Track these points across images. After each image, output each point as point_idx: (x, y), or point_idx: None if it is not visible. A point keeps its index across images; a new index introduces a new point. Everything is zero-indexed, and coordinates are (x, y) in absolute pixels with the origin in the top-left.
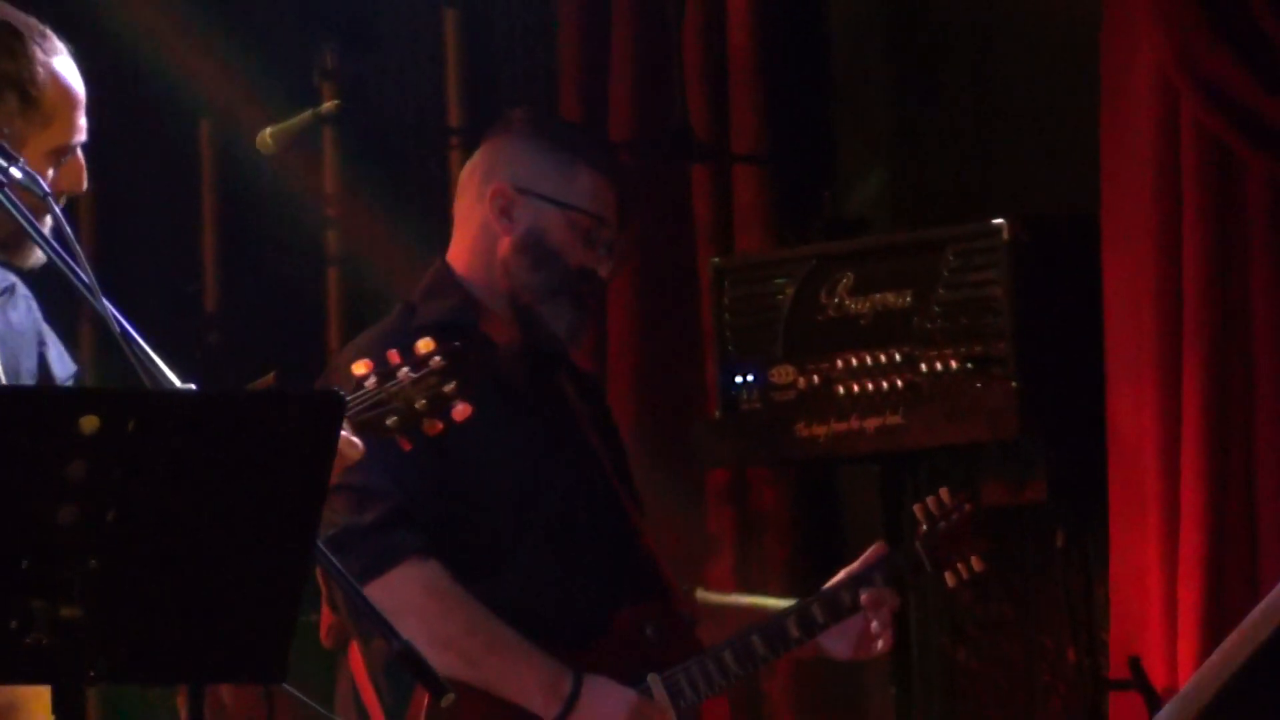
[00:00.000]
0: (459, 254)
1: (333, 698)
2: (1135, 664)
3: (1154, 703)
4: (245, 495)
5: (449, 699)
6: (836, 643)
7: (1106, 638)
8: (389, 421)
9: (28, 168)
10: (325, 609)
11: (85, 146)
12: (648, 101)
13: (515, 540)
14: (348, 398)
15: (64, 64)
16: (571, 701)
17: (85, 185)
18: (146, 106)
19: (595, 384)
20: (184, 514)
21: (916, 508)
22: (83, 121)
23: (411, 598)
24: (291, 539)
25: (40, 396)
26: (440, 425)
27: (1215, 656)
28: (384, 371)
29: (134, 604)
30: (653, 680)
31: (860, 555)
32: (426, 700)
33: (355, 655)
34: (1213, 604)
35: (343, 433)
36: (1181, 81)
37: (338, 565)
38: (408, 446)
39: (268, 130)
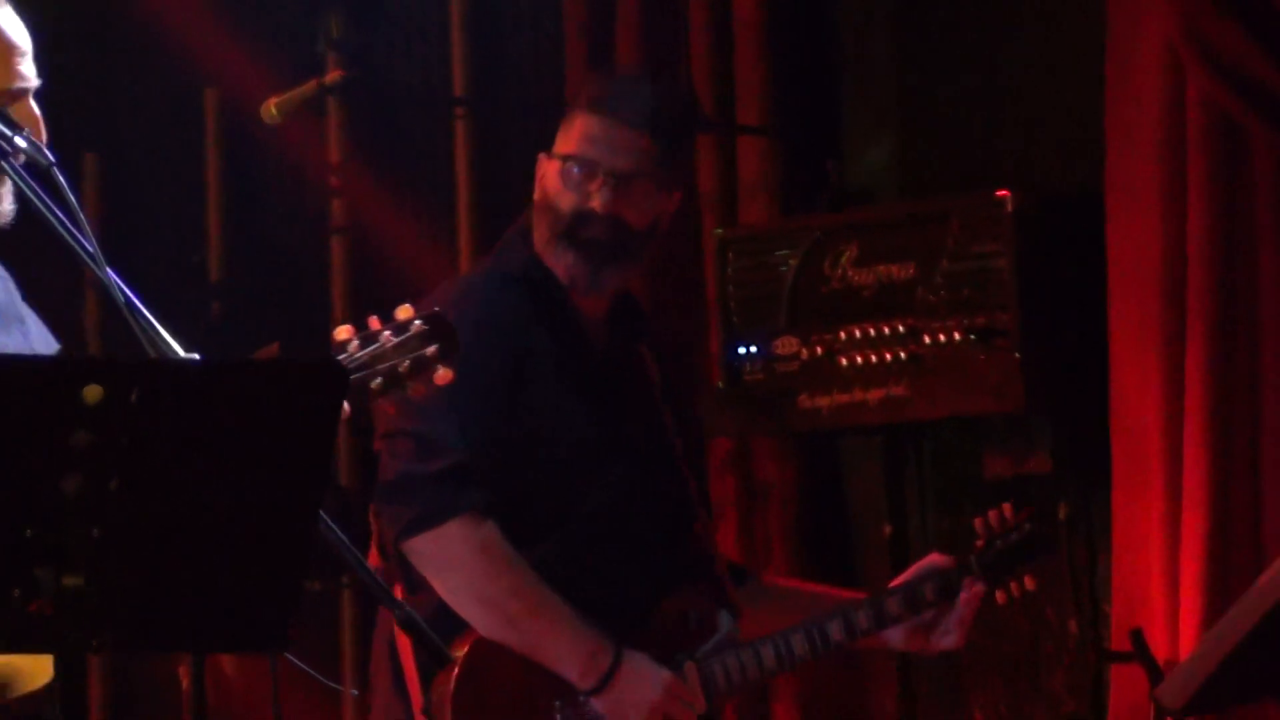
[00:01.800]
0: None
1: (334, 668)
2: (1137, 636)
3: (1156, 675)
4: (249, 465)
5: (450, 667)
6: (895, 636)
7: (1109, 610)
8: (374, 384)
9: (33, 138)
10: (374, 552)
11: (43, 98)
12: (654, 72)
13: (572, 509)
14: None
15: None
16: (609, 676)
17: (44, 135)
18: (151, 76)
19: (671, 361)
20: (187, 483)
21: (977, 521)
22: (23, 69)
23: (461, 553)
24: (295, 508)
25: (44, 366)
26: (422, 389)
27: (1218, 628)
28: (366, 335)
29: (137, 573)
30: (688, 667)
31: (917, 558)
32: (458, 669)
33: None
34: (1214, 576)
35: None
36: (1187, 53)
37: (341, 535)
38: (391, 410)
39: (272, 100)
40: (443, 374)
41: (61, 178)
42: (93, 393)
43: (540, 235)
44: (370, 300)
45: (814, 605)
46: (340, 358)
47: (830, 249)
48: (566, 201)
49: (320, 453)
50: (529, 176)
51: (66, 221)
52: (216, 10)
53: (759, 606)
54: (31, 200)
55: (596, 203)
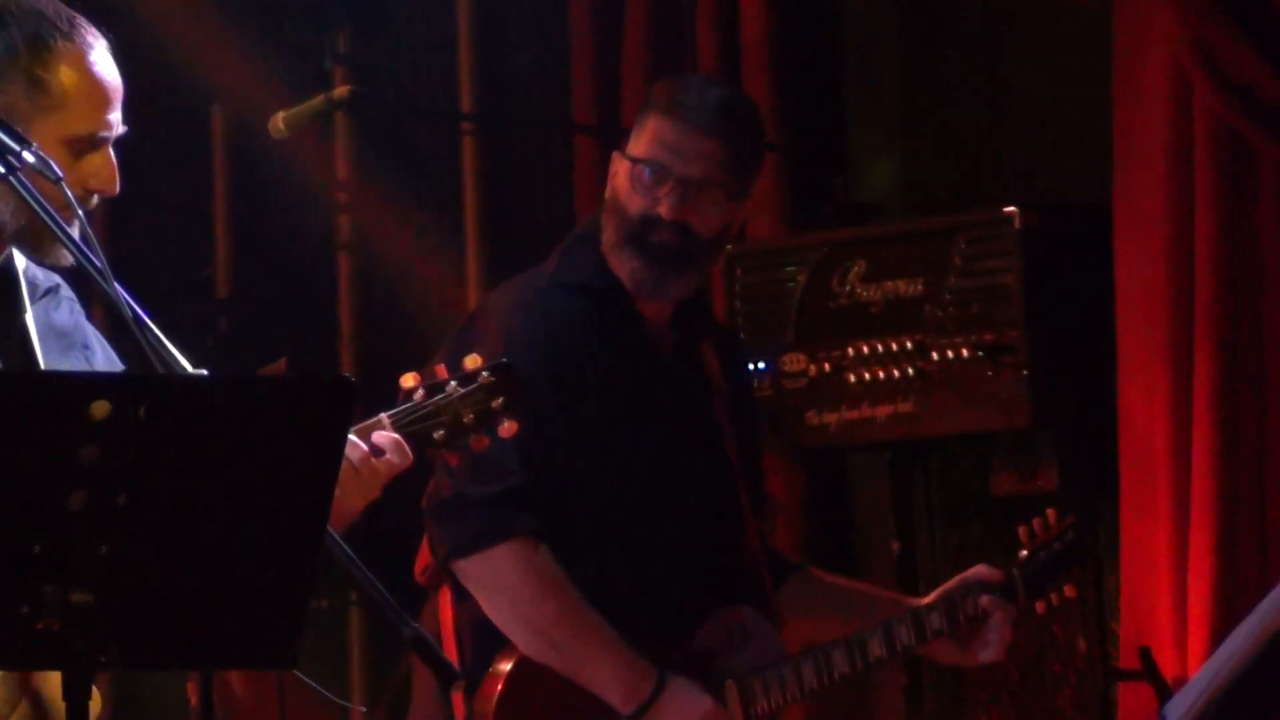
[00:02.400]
0: None
1: (342, 685)
2: (1145, 654)
3: (1164, 693)
4: (256, 481)
5: (458, 686)
6: (937, 644)
7: (1116, 628)
8: (436, 435)
9: (40, 152)
10: (424, 547)
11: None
12: None
13: (623, 525)
14: (398, 409)
15: (94, 55)
16: (650, 702)
17: (117, 187)
18: (159, 91)
19: (744, 357)
20: (195, 499)
21: (1021, 530)
22: (111, 117)
23: (508, 578)
24: (303, 525)
25: (52, 382)
26: (486, 441)
27: (1226, 646)
28: (432, 385)
29: (145, 589)
30: (728, 685)
31: (957, 572)
32: (501, 686)
33: (445, 603)
34: (1223, 594)
35: (395, 436)
36: (1194, 68)
37: (348, 550)
38: (455, 461)
39: (280, 115)
40: (507, 427)
41: (69, 192)
42: (100, 408)
43: (608, 236)
44: (378, 316)
45: (860, 602)
46: (405, 406)
47: (838, 265)
48: (635, 205)
49: (328, 468)
50: (536, 192)
51: (74, 236)
52: (224, 25)
53: (805, 601)
54: (40, 215)
55: (665, 208)
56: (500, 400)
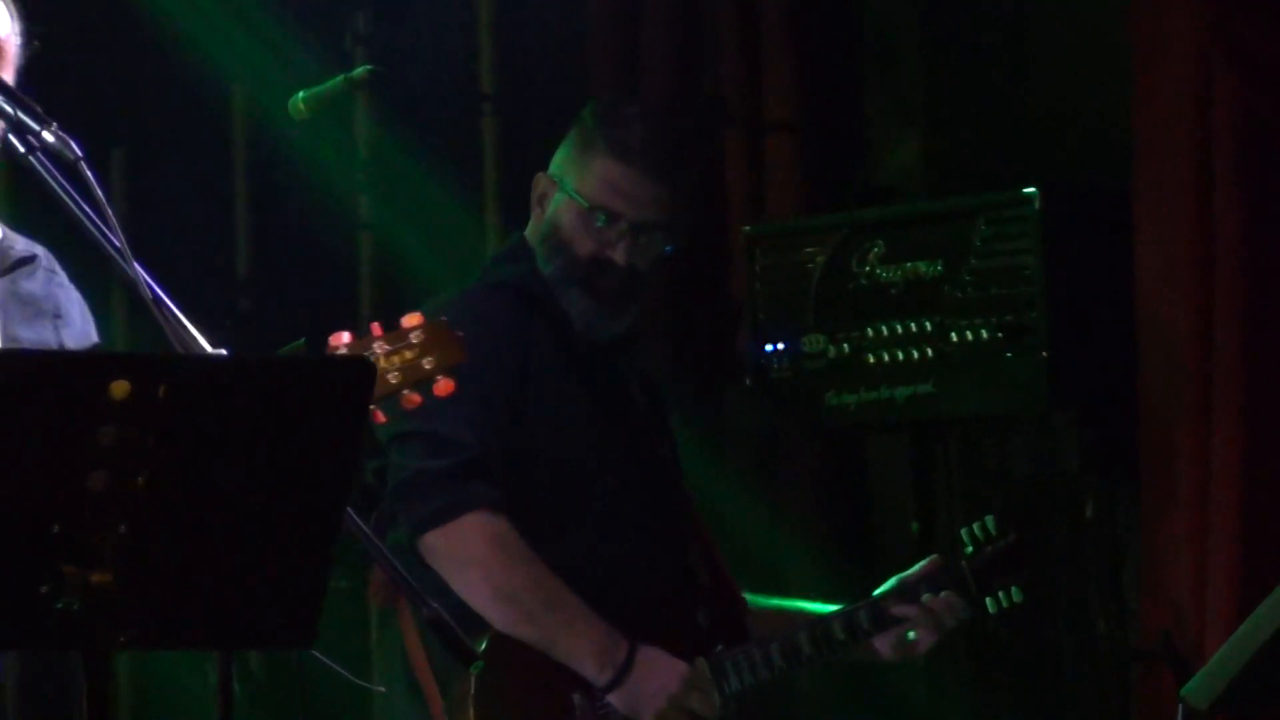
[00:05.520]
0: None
1: (362, 666)
2: (1165, 636)
3: (1183, 675)
4: (276, 461)
5: (477, 667)
6: (881, 643)
7: (1136, 609)
8: None
9: (60, 131)
10: (378, 567)
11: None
12: (680, 69)
13: (577, 510)
14: None
15: None
16: (625, 670)
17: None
18: (179, 71)
19: (656, 385)
20: (215, 480)
21: (963, 531)
22: None
23: (477, 548)
24: (322, 505)
25: (72, 361)
26: (418, 399)
27: (1245, 627)
28: (355, 344)
29: (164, 570)
30: (699, 663)
31: (916, 559)
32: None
33: (405, 616)
34: (1243, 575)
35: None
36: (1215, 49)
37: (368, 531)
38: (381, 418)
39: (300, 95)
40: (442, 385)
41: (89, 172)
42: (120, 388)
43: (554, 273)
44: (398, 296)
45: (797, 621)
46: None
47: (857, 246)
48: (584, 247)
49: (347, 449)
50: None
51: (94, 216)
52: (243, 6)
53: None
54: (58, 195)
55: (618, 254)
56: (431, 359)
